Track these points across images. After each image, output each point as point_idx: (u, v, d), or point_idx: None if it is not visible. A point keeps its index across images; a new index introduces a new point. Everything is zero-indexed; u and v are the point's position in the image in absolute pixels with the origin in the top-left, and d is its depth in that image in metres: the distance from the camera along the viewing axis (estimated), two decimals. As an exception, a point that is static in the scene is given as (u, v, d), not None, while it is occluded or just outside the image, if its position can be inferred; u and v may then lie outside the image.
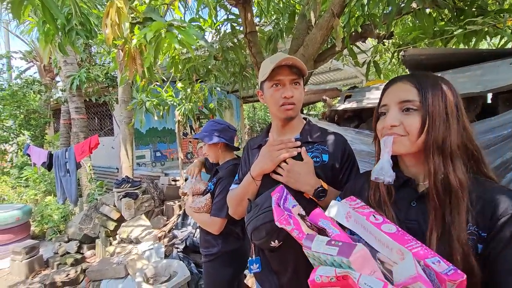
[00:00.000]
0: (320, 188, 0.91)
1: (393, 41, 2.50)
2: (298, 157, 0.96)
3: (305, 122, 1.10)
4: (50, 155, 4.19)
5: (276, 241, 0.89)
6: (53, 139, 7.06)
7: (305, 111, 7.76)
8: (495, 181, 0.66)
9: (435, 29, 1.81)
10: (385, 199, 0.71)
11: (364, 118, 1.79)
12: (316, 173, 0.95)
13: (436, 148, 0.64)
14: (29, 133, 7.19)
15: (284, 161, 0.96)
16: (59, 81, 7.01)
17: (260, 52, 2.30)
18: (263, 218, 0.89)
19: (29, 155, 4.60)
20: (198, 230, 3.13)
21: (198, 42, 1.45)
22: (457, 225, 0.59)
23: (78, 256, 3.51)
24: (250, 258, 1.05)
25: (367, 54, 2.34)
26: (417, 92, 0.67)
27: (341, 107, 1.67)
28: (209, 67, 2.51)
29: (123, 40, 1.57)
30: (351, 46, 1.99)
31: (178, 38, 1.41)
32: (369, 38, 2.21)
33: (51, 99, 7.02)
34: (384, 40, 2.11)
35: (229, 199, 1.15)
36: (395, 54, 2.26)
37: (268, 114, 12.14)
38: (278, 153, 0.96)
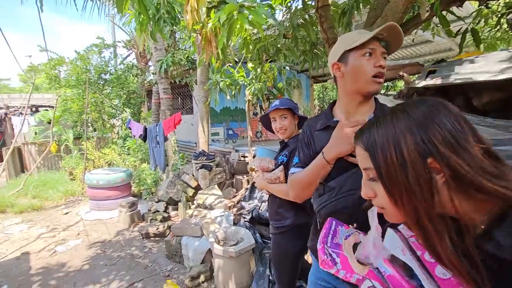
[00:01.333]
0: None
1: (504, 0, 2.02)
2: None
3: (375, 101, 1.02)
4: (145, 129, 4.96)
5: (355, 224, 0.84)
6: (147, 116, 8.27)
7: (382, 91, 7.03)
8: None
9: None
10: None
11: (451, 96, 1.55)
12: None
13: (411, 225, 0.51)
14: (130, 110, 8.60)
15: None
16: (151, 66, 8.06)
17: (332, 27, 2.18)
18: (344, 202, 0.87)
19: (130, 128, 5.55)
20: (264, 204, 3.32)
21: (267, 21, 1.49)
22: None
23: (165, 215, 4.17)
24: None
25: (464, 21, 1.97)
26: (369, 155, 0.55)
27: (422, 83, 1.48)
28: (279, 46, 2.52)
29: (201, 24, 1.72)
30: (441, 12, 1.70)
31: (249, 19, 1.47)
32: (468, 1, 1.84)
33: (145, 81, 8.18)
34: (488, 1, 1.74)
35: (293, 183, 1.08)
36: (504, 17, 1.83)
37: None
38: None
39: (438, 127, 0.47)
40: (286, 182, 1.52)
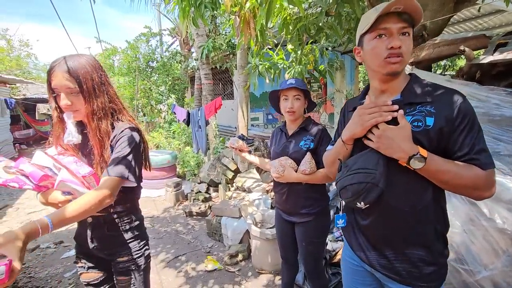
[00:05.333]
0: (417, 155, 0.79)
1: None
2: (394, 122, 0.85)
3: (409, 79, 0.94)
4: (188, 114, 5.19)
5: (362, 203, 0.88)
6: (190, 101, 8.64)
7: (438, 71, 6.31)
8: None
9: None
10: None
11: (526, 74, 1.32)
12: (416, 139, 0.83)
13: None
14: (175, 96, 9.06)
15: (377, 125, 0.87)
16: (193, 52, 8.31)
17: (380, 0, 1.99)
18: (351, 179, 0.89)
19: (174, 113, 5.85)
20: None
21: (308, -3, 1.41)
22: None
23: (207, 195, 4.40)
24: (337, 214, 1.08)
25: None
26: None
27: (488, 59, 1.28)
28: (320, 24, 2.38)
29: (239, 6, 1.70)
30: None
31: (288, -4, 1.41)
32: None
33: (188, 68, 8.48)
34: None
35: (324, 159, 1.16)
36: None
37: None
38: (370, 117, 0.87)
39: None
40: (317, 168, 1.52)
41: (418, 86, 0.91)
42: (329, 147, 1.15)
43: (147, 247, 1.26)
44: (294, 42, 2.63)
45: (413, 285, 0.91)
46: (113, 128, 1.12)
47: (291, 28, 2.44)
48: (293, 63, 3.20)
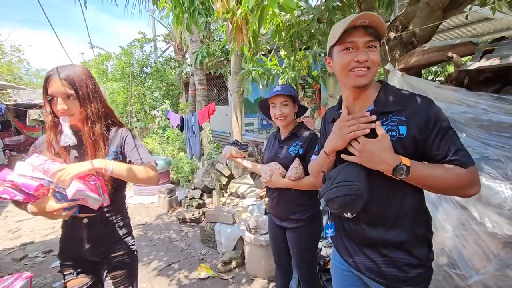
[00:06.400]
0: (400, 166, 0.81)
1: None
2: (373, 133, 0.87)
3: (380, 87, 0.96)
4: (182, 119, 5.17)
5: (349, 213, 0.91)
6: (185, 107, 8.62)
7: (430, 77, 6.43)
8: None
9: None
10: None
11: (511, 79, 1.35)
12: (394, 149, 0.84)
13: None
14: (169, 101, 9.03)
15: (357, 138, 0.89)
16: (188, 58, 8.32)
17: (372, 8, 2.03)
18: (335, 192, 0.91)
19: (168, 119, 5.83)
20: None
21: (299, 5, 1.42)
22: None
23: (201, 201, 4.36)
24: (326, 223, 1.08)
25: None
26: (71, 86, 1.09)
27: (475, 65, 1.30)
28: (313, 31, 2.41)
29: (231, 13, 1.71)
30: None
31: (280, 3, 1.42)
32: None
33: (183, 73, 8.49)
34: None
35: (310, 169, 1.18)
36: None
37: (381, 82, 10.72)
38: (348, 130, 0.90)
39: None
40: (305, 174, 1.52)
41: (389, 94, 0.93)
42: (314, 157, 1.17)
43: (135, 242, 1.39)
44: (287, 48, 2.65)
45: None
46: (108, 130, 1.23)
47: (283, 34, 2.47)
48: (287, 69, 3.22)
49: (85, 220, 1.20)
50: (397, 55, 1.81)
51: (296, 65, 3.17)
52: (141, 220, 4.18)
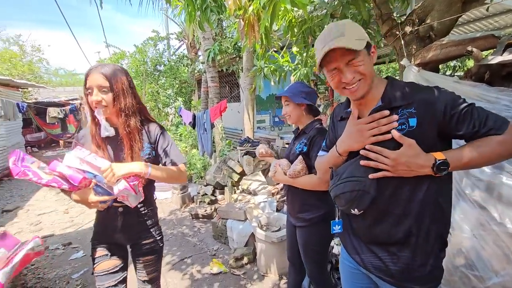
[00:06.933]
0: (438, 162, 0.79)
1: None
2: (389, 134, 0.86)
3: (386, 82, 0.94)
4: (194, 116, 5.23)
5: (356, 209, 0.91)
6: (197, 104, 8.70)
7: (448, 72, 6.20)
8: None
9: None
10: None
11: (537, 74, 1.28)
12: None
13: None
14: (182, 99, 9.14)
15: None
16: (200, 55, 8.38)
17: (387, 1, 1.97)
18: (342, 187, 0.91)
19: (181, 116, 5.90)
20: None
21: (312, 0, 1.40)
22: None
23: (213, 198, 4.41)
24: (333, 220, 1.07)
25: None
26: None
27: (497, 59, 1.25)
28: (325, 26, 2.37)
29: (243, 9, 1.70)
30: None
31: (292, -1, 1.41)
32: None
33: (195, 71, 8.56)
34: None
35: (317, 166, 1.17)
36: None
37: (396, 77, 10.45)
38: (369, 133, 0.88)
39: None
40: (308, 172, 1.49)
41: (396, 89, 0.90)
42: (321, 153, 1.16)
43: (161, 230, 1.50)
44: (299, 45, 2.62)
45: (406, 287, 0.91)
46: (142, 125, 1.32)
47: (296, 30, 2.44)
48: (299, 66, 3.19)
49: (120, 209, 1.32)
50: (413, 49, 1.75)
51: (308, 62, 3.13)
52: (155, 215, 4.28)
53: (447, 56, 1.51)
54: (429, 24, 1.67)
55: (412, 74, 1.56)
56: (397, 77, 1.21)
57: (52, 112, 9.82)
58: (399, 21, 1.85)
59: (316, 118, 1.67)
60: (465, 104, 0.82)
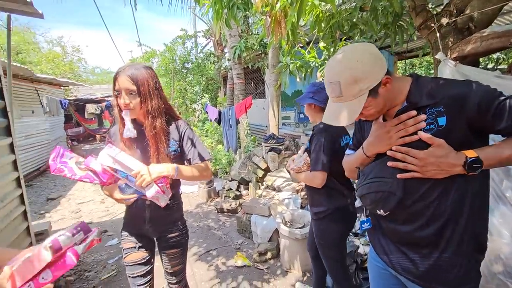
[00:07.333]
0: (470, 160, 0.75)
1: None
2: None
3: (410, 81, 0.89)
4: (220, 113, 5.33)
5: (382, 210, 0.90)
6: (223, 101, 8.85)
7: (490, 65, 5.72)
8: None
9: None
10: None
11: None
12: None
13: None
14: (208, 95, 9.35)
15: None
16: (226, 52, 8.49)
17: (422, -9, 1.87)
18: (368, 188, 0.90)
19: (207, 112, 6.04)
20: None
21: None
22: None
23: (237, 193, 4.49)
24: (361, 219, 1.06)
25: None
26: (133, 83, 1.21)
27: (546, 52, 1.15)
28: (354, 20, 2.30)
29: (270, 6, 1.71)
30: None
31: (320, -6, 1.39)
32: None
33: (221, 68, 8.69)
34: None
35: (344, 164, 1.17)
36: None
37: (431, 71, 9.84)
38: (397, 135, 0.86)
39: None
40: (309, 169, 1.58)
41: (422, 87, 0.86)
42: (348, 151, 1.16)
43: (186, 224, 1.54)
44: (326, 40, 2.57)
45: None
46: (169, 125, 1.36)
47: (323, 25, 2.39)
48: (326, 61, 3.13)
49: (148, 202, 1.36)
50: (450, 42, 1.65)
51: (336, 57, 3.05)
52: (182, 208, 4.45)
53: (488, 49, 1.41)
54: (468, 14, 1.56)
55: (448, 69, 1.47)
56: (431, 72, 1.15)
57: (90, 108, 10.51)
58: (435, 12, 1.74)
59: None
60: (502, 97, 0.76)
